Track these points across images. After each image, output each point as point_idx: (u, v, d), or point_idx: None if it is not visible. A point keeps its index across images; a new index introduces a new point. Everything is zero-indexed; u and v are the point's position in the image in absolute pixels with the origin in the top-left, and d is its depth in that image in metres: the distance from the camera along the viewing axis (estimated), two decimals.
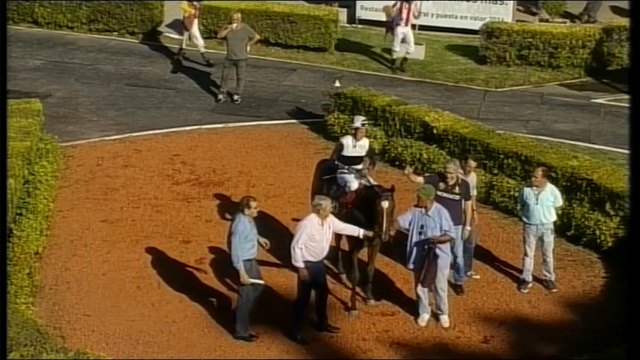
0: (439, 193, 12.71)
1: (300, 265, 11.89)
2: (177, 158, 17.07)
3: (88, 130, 18.19)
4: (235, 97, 19.62)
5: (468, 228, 13.03)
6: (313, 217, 11.94)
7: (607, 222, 13.99)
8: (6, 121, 14.10)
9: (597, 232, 14.02)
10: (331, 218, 12.10)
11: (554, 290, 13.26)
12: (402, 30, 20.82)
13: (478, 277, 13.33)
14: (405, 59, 21.20)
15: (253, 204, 11.95)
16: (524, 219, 13.18)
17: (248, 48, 19.47)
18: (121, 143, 17.67)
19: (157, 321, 12.52)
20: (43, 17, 23.38)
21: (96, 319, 12.51)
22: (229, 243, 11.84)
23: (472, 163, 13.39)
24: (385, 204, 12.03)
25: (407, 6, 20.63)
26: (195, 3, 20.83)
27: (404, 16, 20.64)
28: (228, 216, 15.08)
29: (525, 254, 13.23)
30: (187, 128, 18.36)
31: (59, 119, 18.43)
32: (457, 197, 12.87)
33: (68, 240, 14.34)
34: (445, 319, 12.53)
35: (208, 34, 22.67)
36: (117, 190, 15.87)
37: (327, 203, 11.97)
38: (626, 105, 17.72)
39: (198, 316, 12.63)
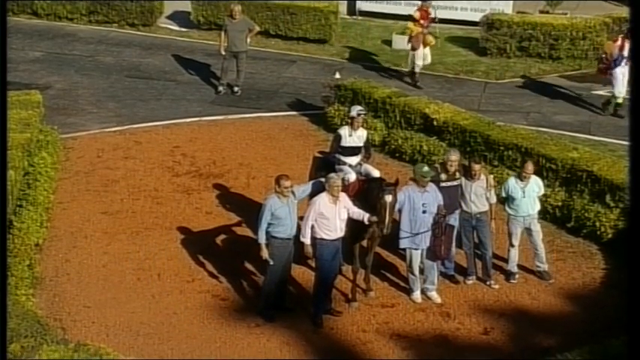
0: (443, 183, 12.81)
1: (307, 241, 12.06)
2: (178, 150, 17.07)
3: (88, 122, 18.19)
4: (235, 88, 19.63)
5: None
6: (324, 195, 12.05)
7: (607, 214, 13.99)
8: (6, 113, 14.08)
9: (597, 223, 14.02)
10: (344, 197, 12.18)
11: (550, 281, 13.25)
12: (622, 70, 17.96)
13: (497, 286, 13.24)
14: (618, 104, 18.45)
15: (284, 183, 12.04)
16: (510, 211, 13.18)
17: (248, 40, 19.47)
18: (121, 135, 17.66)
19: (157, 313, 12.53)
20: (43, 9, 23.38)
21: (96, 310, 12.52)
22: (258, 221, 12.13)
23: (475, 167, 12.97)
24: (389, 198, 12.10)
25: (628, 41, 17.40)
26: (422, 21, 19.77)
27: (625, 53, 17.77)
28: (227, 207, 15.17)
29: (511, 245, 13.24)
30: (187, 120, 18.36)
31: (59, 111, 18.43)
32: (458, 182, 12.98)
33: (68, 232, 14.35)
34: (436, 295, 12.72)
35: (208, 25, 22.70)
36: (117, 182, 15.87)
37: (335, 179, 12.08)
38: (627, 97, 17.71)
39: (199, 308, 12.64)
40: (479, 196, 13.00)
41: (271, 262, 12.11)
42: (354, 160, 13.39)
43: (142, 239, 14.20)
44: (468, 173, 13.02)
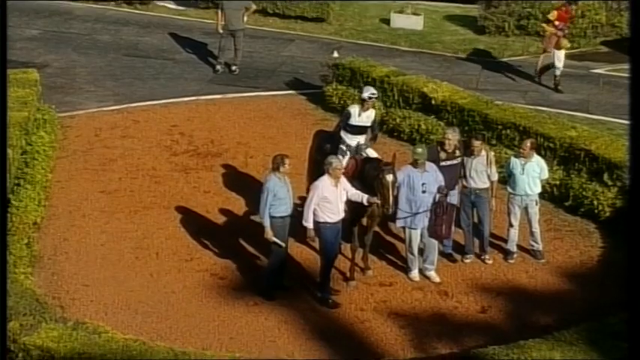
0: (442, 162, 12.84)
1: (309, 225, 12.05)
2: (176, 129, 17.04)
3: (85, 101, 18.15)
4: (233, 67, 19.57)
5: None
6: (326, 178, 12.04)
7: (605, 192, 14.00)
8: (6, 92, 14.04)
9: (595, 202, 14.03)
10: (344, 179, 12.19)
11: (542, 260, 13.22)
12: None
13: (491, 261, 13.27)
14: None
15: (287, 161, 12.07)
16: (510, 189, 13.20)
17: (245, 18, 19.40)
18: (119, 114, 17.63)
19: (155, 291, 12.55)
20: None
21: (95, 289, 12.54)
22: (260, 202, 12.07)
23: (476, 143, 13.01)
24: (390, 177, 12.10)
25: None
26: (557, 23, 18.38)
27: None
28: (225, 186, 15.16)
29: (510, 225, 13.23)
30: (185, 99, 18.32)
31: (57, 89, 18.38)
32: (458, 161, 13.00)
33: (66, 210, 14.35)
34: (434, 275, 12.72)
35: (206, 4, 22.60)
36: (115, 161, 15.86)
37: (336, 162, 12.07)
38: (625, 75, 17.67)
39: (197, 287, 12.66)
40: (479, 172, 13.01)
41: (282, 245, 12.12)
42: (357, 139, 13.27)
43: (140, 218, 14.20)
44: (468, 150, 13.03)
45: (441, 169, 12.70)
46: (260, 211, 12.16)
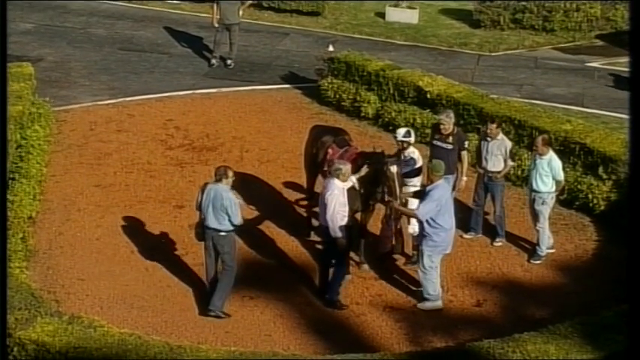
0: (434, 142, 13.11)
1: (340, 234, 11.92)
2: (171, 123, 17.03)
3: (80, 95, 18.13)
4: (228, 61, 19.57)
5: (464, 179, 13.28)
6: (338, 184, 11.90)
7: (600, 186, 14.02)
8: (6, 87, 13.99)
9: (590, 195, 14.06)
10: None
11: (537, 262, 13.07)
12: None
13: (500, 244, 13.37)
14: None
15: (231, 172, 11.96)
16: None
17: (240, 12, 19.39)
18: (114, 108, 17.62)
19: (150, 285, 12.55)
20: None
21: (90, 283, 12.54)
22: (234, 214, 11.76)
23: (491, 126, 13.19)
24: (394, 168, 12.07)
25: None
26: None
27: None
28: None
29: (532, 221, 13.24)
30: (181, 93, 18.31)
31: (51, 83, 18.36)
32: (450, 147, 13.09)
33: (62, 205, 14.34)
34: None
35: None
36: (110, 155, 15.85)
37: (346, 168, 12.00)
38: (620, 69, 17.71)
39: (192, 281, 12.66)
40: (493, 155, 13.16)
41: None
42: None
43: (136, 212, 14.20)
44: (484, 133, 13.33)
45: (433, 147, 12.90)
46: (239, 219, 11.87)
